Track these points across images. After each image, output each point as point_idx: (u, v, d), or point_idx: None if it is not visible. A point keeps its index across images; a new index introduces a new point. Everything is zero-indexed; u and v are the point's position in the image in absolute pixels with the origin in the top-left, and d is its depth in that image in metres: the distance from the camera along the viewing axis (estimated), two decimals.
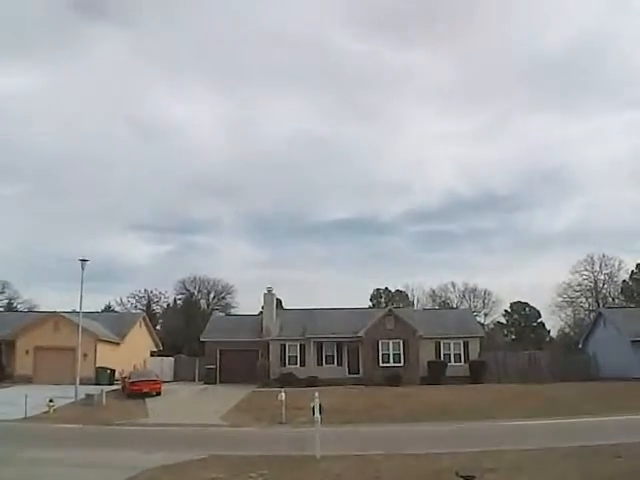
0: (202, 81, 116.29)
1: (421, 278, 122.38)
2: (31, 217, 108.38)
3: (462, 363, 43.69)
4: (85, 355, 39.18)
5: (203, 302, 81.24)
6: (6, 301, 72.62)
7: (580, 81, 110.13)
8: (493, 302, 79.46)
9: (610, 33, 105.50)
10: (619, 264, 71.93)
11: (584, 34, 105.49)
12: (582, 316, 71.46)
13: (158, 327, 70.35)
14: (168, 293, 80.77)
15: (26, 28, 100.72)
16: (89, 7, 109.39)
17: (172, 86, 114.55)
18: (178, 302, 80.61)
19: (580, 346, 49.65)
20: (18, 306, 71.42)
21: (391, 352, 43.06)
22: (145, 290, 79.82)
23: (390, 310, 46.89)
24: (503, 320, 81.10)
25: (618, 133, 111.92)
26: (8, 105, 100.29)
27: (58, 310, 44.84)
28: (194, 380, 46.69)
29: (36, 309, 64.75)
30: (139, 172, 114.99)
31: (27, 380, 39.56)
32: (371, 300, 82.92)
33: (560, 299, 72.93)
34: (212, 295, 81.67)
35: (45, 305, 67.63)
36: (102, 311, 67.92)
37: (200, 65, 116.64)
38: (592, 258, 71.90)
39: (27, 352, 42.03)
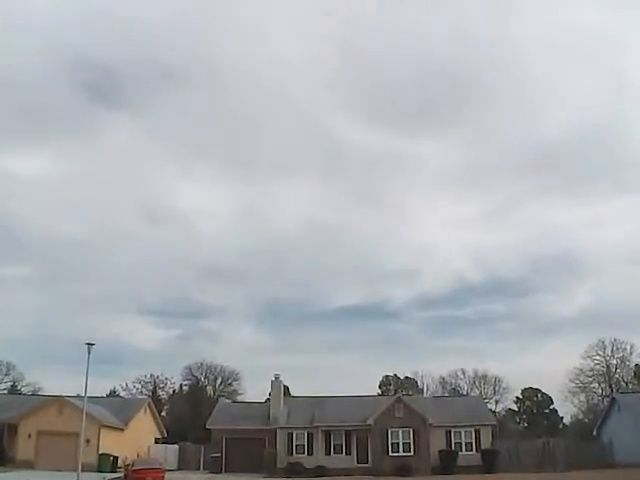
0: (211, 168, 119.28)
1: (430, 364, 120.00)
2: (37, 299, 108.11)
3: (474, 452, 42.44)
4: (88, 441, 38.19)
5: (209, 388, 80.00)
6: (10, 383, 71.65)
7: (585, 165, 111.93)
8: (504, 389, 77.88)
9: (611, 117, 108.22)
10: (631, 348, 70.67)
11: (586, 119, 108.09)
12: (595, 401, 69.96)
13: (164, 413, 69.05)
14: (174, 379, 79.72)
15: (38, 113, 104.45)
16: (99, 93, 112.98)
17: (181, 172, 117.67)
18: (184, 388, 79.52)
19: (595, 433, 48.34)
20: (22, 389, 70.44)
21: (401, 441, 42.01)
22: (151, 375, 78.85)
23: (399, 398, 46.13)
24: (515, 407, 79.33)
25: (625, 216, 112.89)
26: (17, 187, 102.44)
27: (62, 394, 44.33)
28: (199, 468, 45.52)
29: (40, 392, 64.28)
30: (147, 256, 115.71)
31: (28, 465, 38.61)
32: (380, 387, 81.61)
33: (573, 385, 71.50)
34: (219, 381, 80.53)
35: (49, 388, 66.71)
36: (107, 395, 67.08)
37: (209, 153, 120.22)
38: (603, 342, 70.92)
39: (29, 436, 41.12)
